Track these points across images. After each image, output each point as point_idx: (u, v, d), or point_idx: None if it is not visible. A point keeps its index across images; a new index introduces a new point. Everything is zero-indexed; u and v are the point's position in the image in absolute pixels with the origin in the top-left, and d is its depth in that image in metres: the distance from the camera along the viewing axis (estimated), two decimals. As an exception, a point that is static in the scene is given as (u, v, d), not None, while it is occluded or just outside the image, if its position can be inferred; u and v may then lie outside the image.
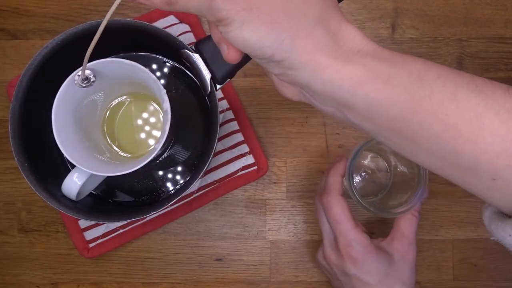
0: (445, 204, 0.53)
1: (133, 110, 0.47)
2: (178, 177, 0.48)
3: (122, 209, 0.48)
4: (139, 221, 0.52)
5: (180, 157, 0.48)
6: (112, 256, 0.53)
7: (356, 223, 0.43)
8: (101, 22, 0.41)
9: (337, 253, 0.43)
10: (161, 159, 0.48)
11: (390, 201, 0.48)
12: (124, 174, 0.39)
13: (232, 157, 0.52)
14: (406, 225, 0.44)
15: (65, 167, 0.47)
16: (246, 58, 0.40)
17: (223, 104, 0.52)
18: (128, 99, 0.47)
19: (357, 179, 0.52)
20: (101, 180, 0.44)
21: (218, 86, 0.40)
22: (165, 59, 0.48)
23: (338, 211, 0.42)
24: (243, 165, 0.52)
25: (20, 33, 0.53)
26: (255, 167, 0.52)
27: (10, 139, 0.40)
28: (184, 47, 0.40)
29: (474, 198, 0.53)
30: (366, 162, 0.52)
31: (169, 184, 0.48)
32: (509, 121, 0.27)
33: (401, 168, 0.49)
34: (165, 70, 0.48)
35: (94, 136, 0.46)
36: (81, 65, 0.38)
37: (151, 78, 0.39)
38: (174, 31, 0.52)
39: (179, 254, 0.53)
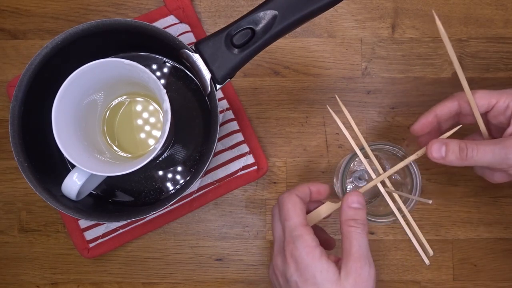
0: (445, 204, 0.53)
1: (133, 110, 0.47)
2: (178, 177, 0.48)
3: (122, 209, 0.48)
4: (139, 221, 0.52)
5: (180, 157, 0.48)
6: (112, 256, 0.53)
7: (306, 223, 0.37)
8: (101, 22, 0.41)
9: (282, 256, 0.37)
10: (161, 159, 0.48)
11: (383, 208, 0.48)
12: (124, 174, 0.39)
13: (232, 157, 0.52)
14: (349, 242, 0.36)
15: (65, 167, 0.47)
16: (246, 59, 0.40)
17: (223, 104, 0.52)
18: (128, 99, 0.47)
19: (350, 184, 0.52)
20: (101, 180, 0.44)
21: (218, 86, 0.40)
22: (165, 59, 0.48)
23: (290, 207, 0.38)
24: (243, 165, 0.52)
25: (20, 33, 0.53)
26: (255, 167, 0.52)
27: (10, 139, 0.40)
28: (184, 47, 0.40)
29: (474, 198, 0.53)
30: (360, 167, 0.52)
31: (169, 184, 0.48)
32: None
33: (395, 176, 0.49)
34: (165, 70, 0.48)
35: (94, 136, 0.46)
36: (81, 64, 0.38)
37: (151, 78, 0.39)
38: (174, 31, 0.52)
39: (179, 254, 0.53)
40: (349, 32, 0.53)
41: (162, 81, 0.48)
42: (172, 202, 0.42)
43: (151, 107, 0.47)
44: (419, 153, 0.40)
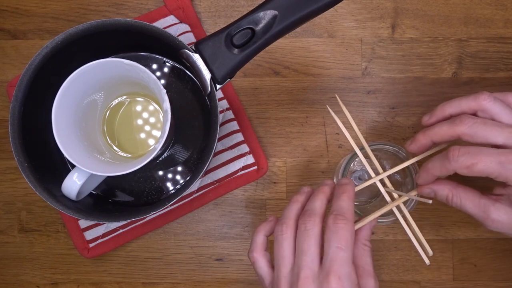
0: (445, 204, 0.53)
1: (133, 110, 0.47)
2: (178, 177, 0.48)
3: (122, 209, 0.48)
4: (139, 221, 0.52)
5: (180, 157, 0.48)
6: (112, 256, 0.53)
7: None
8: (101, 22, 0.41)
9: None
10: (161, 159, 0.48)
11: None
12: (124, 174, 0.39)
13: (232, 157, 0.52)
14: (362, 259, 0.39)
15: (65, 167, 0.47)
16: (246, 59, 0.40)
17: (223, 104, 0.52)
18: (128, 99, 0.47)
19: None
20: (101, 180, 0.44)
21: (218, 86, 0.40)
22: (165, 59, 0.48)
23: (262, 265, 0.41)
24: (243, 165, 0.52)
25: (20, 33, 0.53)
26: (255, 167, 0.52)
27: (10, 139, 0.40)
28: (184, 47, 0.40)
29: (474, 198, 0.53)
30: (360, 167, 0.52)
31: (169, 184, 0.48)
32: None
33: (395, 176, 0.49)
34: (165, 70, 0.48)
35: (94, 136, 0.46)
36: (81, 64, 0.39)
37: (151, 78, 0.39)
38: (174, 31, 0.52)
39: (179, 254, 0.53)
40: (349, 32, 0.53)
41: (162, 81, 0.48)
42: (172, 202, 0.42)
43: (151, 107, 0.47)
44: (420, 156, 0.40)
